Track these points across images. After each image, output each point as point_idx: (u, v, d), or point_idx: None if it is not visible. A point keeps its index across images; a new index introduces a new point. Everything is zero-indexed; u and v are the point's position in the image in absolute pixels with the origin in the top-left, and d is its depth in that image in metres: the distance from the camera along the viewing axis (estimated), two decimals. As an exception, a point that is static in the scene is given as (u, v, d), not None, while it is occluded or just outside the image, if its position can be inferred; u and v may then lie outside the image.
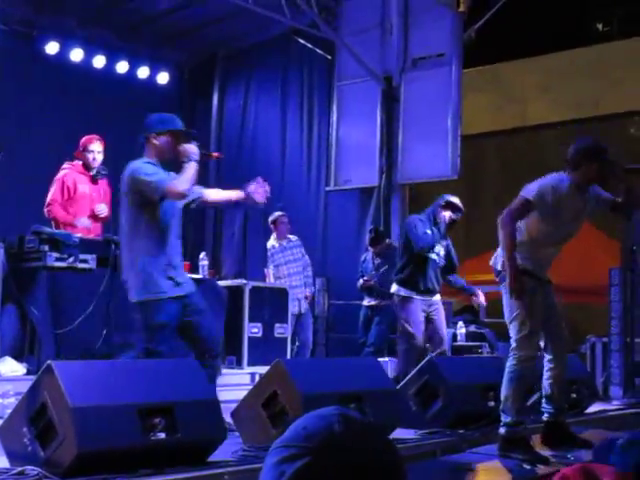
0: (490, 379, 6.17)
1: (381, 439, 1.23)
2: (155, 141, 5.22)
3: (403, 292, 7.64)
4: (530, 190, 5.40)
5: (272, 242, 9.94)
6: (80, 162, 7.76)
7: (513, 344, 5.28)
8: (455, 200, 7.76)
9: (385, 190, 10.83)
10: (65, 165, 7.80)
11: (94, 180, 7.76)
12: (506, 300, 5.29)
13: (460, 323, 9.79)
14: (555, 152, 17.57)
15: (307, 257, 10.14)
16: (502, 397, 5.22)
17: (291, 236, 10.11)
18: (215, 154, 5.96)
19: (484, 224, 16.62)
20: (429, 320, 7.64)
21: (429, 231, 7.57)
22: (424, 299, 7.62)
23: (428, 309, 7.65)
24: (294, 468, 1.16)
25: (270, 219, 10.02)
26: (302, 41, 12.08)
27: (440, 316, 7.71)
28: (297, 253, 10.01)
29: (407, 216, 9.44)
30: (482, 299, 7.80)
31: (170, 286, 5.06)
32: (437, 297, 7.77)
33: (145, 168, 5.10)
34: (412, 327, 7.54)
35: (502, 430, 5.16)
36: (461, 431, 5.74)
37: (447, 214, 7.63)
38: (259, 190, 5.45)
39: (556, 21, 15.88)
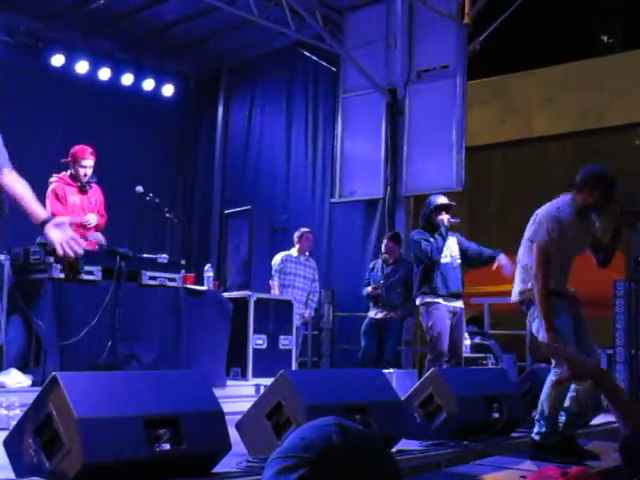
0: (495, 390, 6.18)
1: (379, 450, 1.25)
2: None
3: (428, 298, 7.69)
4: (541, 236, 5.54)
5: (291, 252, 10.04)
6: (67, 173, 7.75)
7: (553, 362, 5.45)
8: (442, 200, 7.86)
9: (390, 202, 10.85)
10: (53, 178, 7.78)
11: (83, 190, 7.76)
12: (538, 323, 5.46)
13: (465, 334, 9.78)
14: (559, 164, 17.64)
15: (317, 284, 10.24)
16: (539, 408, 5.44)
17: (311, 257, 10.25)
18: None
19: (488, 235, 16.68)
20: (452, 328, 7.70)
21: (432, 239, 7.65)
22: (449, 305, 7.68)
23: (452, 317, 7.71)
24: (293, 479, 1.17)
25: (297, 234, 10.13)
26: (307, 53, 12.14)
27: (462, 325, 7.83)
28: (309, 273, 10.13)
29: (411, 228, 9.47)
30: (504, 261, 7.69)
31: None
32: (460, 304, 7.82)
33: None
34: (437, 335, 7.61)
35: (536, 437, 5.38)
36: (466, 443, 5.73)
37: (444, 217, 7.71)
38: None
39: (560, 33, 15.94)
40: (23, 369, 6.63)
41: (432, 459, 5.35)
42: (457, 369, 7.72)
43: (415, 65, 10.99)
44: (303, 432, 1.24)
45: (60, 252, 3.92)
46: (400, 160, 11.00)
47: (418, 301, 7.87)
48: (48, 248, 6.75)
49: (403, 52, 10.95)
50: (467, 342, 9.60)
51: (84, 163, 7.71)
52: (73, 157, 7.75)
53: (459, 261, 7.84)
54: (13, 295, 6.82)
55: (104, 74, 12.37)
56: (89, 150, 7.79)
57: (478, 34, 10.81)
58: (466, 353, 9.44)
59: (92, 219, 7.68)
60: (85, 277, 6.86)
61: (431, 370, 6.27)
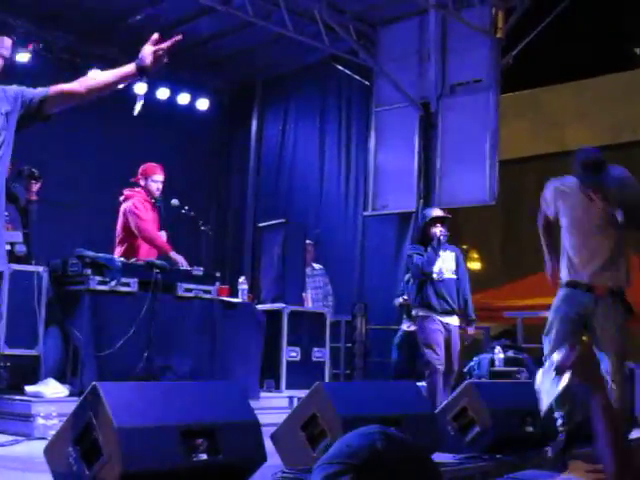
0: (528, 404, 6.15)
1: (422, 457, 1.29)
2: None
3: (421, 312, 7.64)
4: None
5: None
6: (141, 189, 7.87)
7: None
8: (437, 213, 7.87)
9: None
10: (128, 192, 7.90)
11: (155, 207, 7.90)
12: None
13: (498, 348, 9.76)
14: (594, 177, 17.55)
15: (330, 287, 10.29)
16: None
17: (315, 265, 10.31)
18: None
19: (521, 249, 16.62)
20: (446, 343, 7.60)
21: (423, 254, 7.59)
22: (442, 321, 7.60)
23: (447, 334, 7.61)
24: (338, 484, 1.21)
25: None
26: (341, 68, 12.21)
27: (455, 341, 7.67)
28: (319, 281, 10.20)
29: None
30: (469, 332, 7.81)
31: None
32: (454, 321, 7.69)
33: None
34: (431, 349, 7.53)
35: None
36: (499, 456, 5.73)
37: (437, 230, 7.63)
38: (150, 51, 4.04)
39: (594, 46, 15.88)
40: (61, 379, 6.71)
41: (465, 472, 5.36)
42: (490, 382, 7.71)
43: (448, 79, 11.03)
44: (349, 439, 1.28)
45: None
46: (433, 173, 11.04)
47: (413, 313, 7.85)
48: (86, 260, 6.86)
49: (436, 66, 10.99)
50: (500, 356, 9.59)
51: (156, 178, 7.86)
52: (144, 174, 7.89)
53: (453, 276, 7.70)
54: (51, 306, 6.93)
55: (140, 88, 12.49)
56: (159, 166, 7.94)
57: (511, 48, 10.82)
58: (499, 367, 9.44)
59: (164, 237, 7.84)
60: (122, 289, 6.94)
61: (465, 383, 6.27)
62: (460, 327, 7.77)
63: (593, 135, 17.31)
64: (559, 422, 5.51)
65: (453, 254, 7.82)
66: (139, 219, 7.67)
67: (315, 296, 10.16)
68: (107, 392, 3.79)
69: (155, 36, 4.06)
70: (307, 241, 10.20)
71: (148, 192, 7.84)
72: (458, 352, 7.72)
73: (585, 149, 5.73)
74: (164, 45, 4.06)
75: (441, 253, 7.66)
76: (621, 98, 16.59)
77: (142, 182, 7.87)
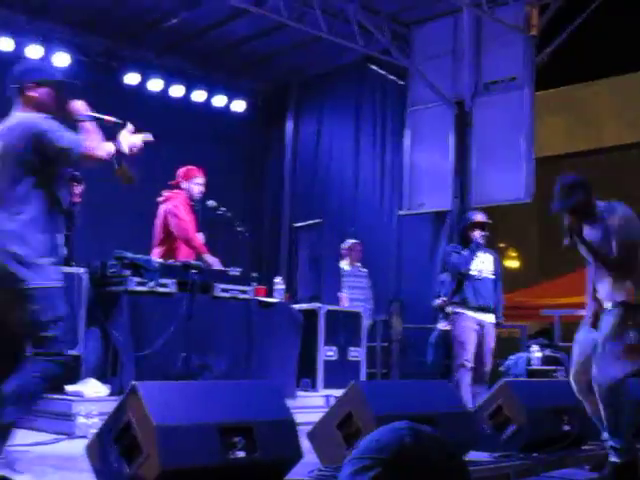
0: (565, 402, 6.15)
1: (450, 452, 1.33)
2: (32, 93, 4.28)
3: (457, 308, 7.92)
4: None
5: (342, 266, 10.17)
6: (181, 190, 7.95)
7: None
8: (478, 218, 8.10)
9: (458, 214, 10.87)
10: (168, 193, 7.98)
11: (193, 209, 7.99)
12: None
13: (535, 347, 9.76)
14: (632, 174, 17.42)
15: (371, 291, 10.37)
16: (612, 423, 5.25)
17: (361, 267, 10.39)
18: (108, 117, 4.50)
19: (558, 247, 16.50)
20: (479, 340, 7.82)
21: (460, 253, 7.91)
22: (476, 318, 7.82)
23: (480, 331, 7.82)
24: (367, 478, 1.26)
25: (345, 246, 10.29)
26: (375, 67, 12.24)
27: (489, 339, 7.89)
28: (363, 282, 10.26)
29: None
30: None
31: None
32: (490, 319, 7.91)
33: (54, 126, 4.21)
34: (460, 345, 7.77)
35: (613, 458, 5.18)
36: (535, 455, 5.74)
37: (477, 233, 7.94)
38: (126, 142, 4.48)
39: (630, 42, 15.74)
40: (101, 379, 6.81)
41: (501, 471, 5.37)
42: (526, 381, 7.71)
43: (483, 77, 11.03)
44: (378, 435, 1.33)
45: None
46: (468, 172, 11.04)
47: (448, 310, 8.15)
48: (125, 261, 6.96)
49: (470, 64, 10.98)
50: (537, 354, 9.58)
51: (198, 181, 7.97)
52: (186, 176, 7.96)
53: (491, 276, 7.99)
54: (91, 307, 7.03)
55: (177, 91, 12.65)
56: (200, 169, 8.05)
57: (546, 45, 10.79)
58: (536, 365, 9.43)
59: (201, 239, 7.94)
60: (160, 290, 7.03)
61: (500, 382, 6.28)
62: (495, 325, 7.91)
63: (630, 132, 17.20)
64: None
65: (492, 257, 8.11)
66: (179, 219, 7.76)
67: (359, 296, 10.19)
68: (146, 391, 3.87)
69: (130, 127, 4.55)
70: (354, 240, 10.34)
71: (188, 194, 7.93)
72: (491, 350, 7.91)
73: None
74: (138, 145, 4.59)
75: (480, 255, 7.98)
76: (659, 94, 16.47)
77: (184, 185, 7.95)
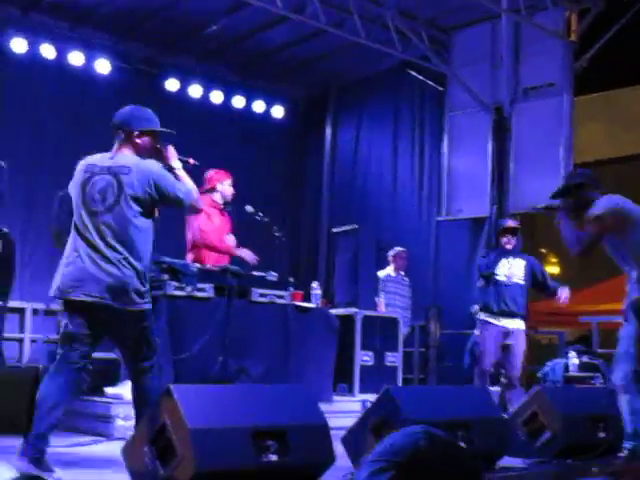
0: (601, 410, 6.12)
1: (463, 456, 1.37)
2: (137, 140, 4.80)
3: (482, 315, 8.03)
4: None
5: (388, 271, 10.22)
6: (208, 195, 8.04)
7: None
8: (507, 224, 8.28)
9: (496, 220, 10.84)
10: None
11: (223, 211, 8.08)
12: None
13: (572, 353, 9.71)
14: (673, 179, 17.23)
15: (411, 301, 10.41)
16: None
17: (404, 275, 10.44)
18: (191, 160, 5.13)
19: (598, 253, 16.37)
20: (505, 348, 7.87)
21: (488, 256, 8.10)
22: (501, 325, 7.88)
23: (504, 339, 7.88)
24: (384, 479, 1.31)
25: (391, 253, 10.35)
26: (413, 73, 12.26)
27: (516, 346, 7.91)
28: (406, 291, 10.29)
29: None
30: (564, 296, 7.90)
31: None
32: (517, 324, 7.94)
33: (168, 175, 4.76)
34: (480, 353, 7.96)
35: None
36: (569, 461, 5.72)
37: (504, 239, 8.05)
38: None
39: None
40: (139, 382, 6.89)
41: (535, 477, 5.37)
42: (562, 387, 7.69)
43: (521, 83, 11.01)
44: (394, 438, 1.37)
45: None
46: (507, 178, 11.01)
47: (477, 317, 8.23)
48: (163, 265, 7.05)
49: (509, 70, 10.97)
50: (575, 361, 9.53)
51: (229, 183, 8.06)
52: (219, 179, 8.06)
53: (521, 282, 7.97)
54: (131, 311, 7.11)
55: (217, 97, 12.77)
56: (225, 171, 8.15)
57: (585, 50, 10.74)
58: (573, 372, 9.38)
59: (232, 239, 8.01)
60: (198, 294, 7.11)
61: (535, 388, 6.27)
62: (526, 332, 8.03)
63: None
64: None
65: (524, 262, 8.06)
66: (199, 230, 7.83)
67: (399, 303, 10.23)
68: (181, 394, 3.93)
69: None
70: (400, 248, 10.36)
71: (214, 198, 8.00)
72: (519, 355, 7.94)
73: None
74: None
75: (510, 260, 7.99)
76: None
77: (219, 187, 8.04)
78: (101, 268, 4.54)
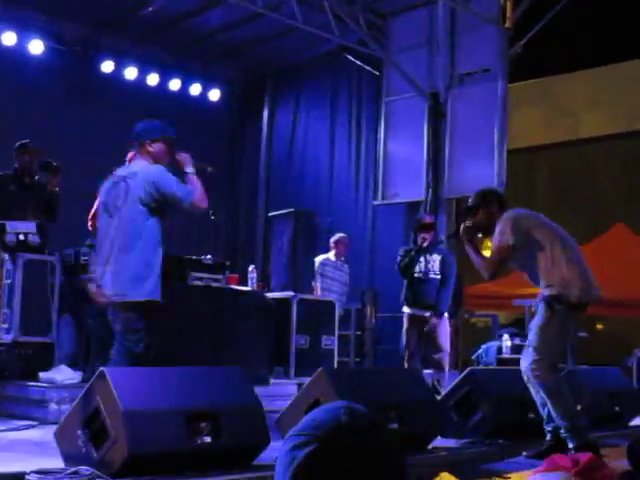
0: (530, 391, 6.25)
1: (383, 430, 1.40)
2: (150, 148, 5.23)
3: (404, 307, 8.32)
4: None
5: (329, 256, 10.26)
6: None
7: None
8: (424, 220, 8.51)
9: (432, 204, 10.97)
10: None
11: None
12: None
13: (506, 336, 9.87)
14: (607, 165, 17.59)
15: (347, 288, 10.49)
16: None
17: (344, 261, 10.49)
18: (210, 168, 5.65)
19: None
20: (423, 337, 8.17)
21: (406, 256, 8.22)
22: (417, 314, 8.18)
23: (421, 326, 8.17)
24: (304, 453, 1.33)
25: (333, 239, 10.37)
26: (351, 58, 12.28)
27: (436, 336, 8.18)
28: (343, 277, 10.35)
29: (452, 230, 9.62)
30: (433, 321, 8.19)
31: None
32: (431, 313, 8.20)
33: (169, 177, 5.14)
34: (407, 342, 8.21)
35: (570, 443, 5.29)
36: (501, 441, 5.84)
37: (421, 235, 8.25)
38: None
39: (607, 34, 15.88)
40: (73, 366, 6.86)
41: (467, 457, 5.47)
42: (493, 369, 7.84)
43: (457, 69, 11.10)
44: (315, 414, 1.40)
45: None
46: (442, 163, 11.12)
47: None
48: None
49: (445, 56, 11.06)
50: (508, 343, 9.69)
51: None
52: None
53: (436, 276, 8.22)
54: (64, 295, 7.08)
55: (152, 79, 12.65)
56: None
57: (520, 37, 10.87)
58: (506, 354, 9.55)
59: None
60: (133, 278, 7.06)
61: (467, 370, 6.39)
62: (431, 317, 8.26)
63: (607, 123, 17.33)
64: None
65: (440, 257, 8.27)
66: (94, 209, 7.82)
67: (336, 288, 10.27)
68: (114, 377, 3.93)
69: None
70: (342, 235, 10.41)
71: None
72: (441, 342, 8.20)
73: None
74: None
75: (427, 256, 8.22)
76: (636, 86, 16.57)
77: None
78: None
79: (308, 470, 1.31)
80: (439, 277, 8.21)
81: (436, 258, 8.24)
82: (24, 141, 7.99)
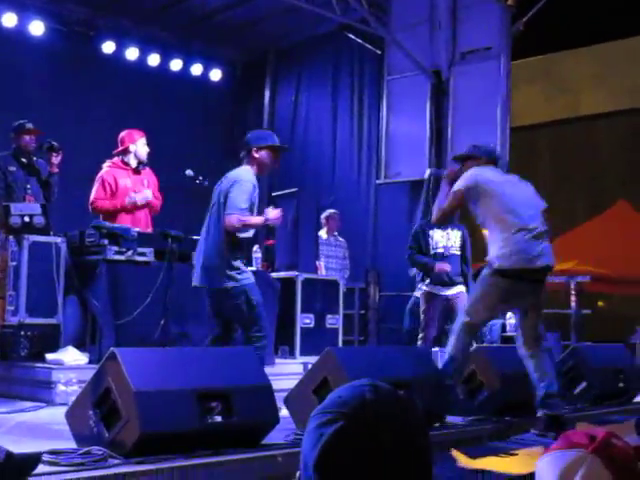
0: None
1: (408, 406, 1.41)
2: (256, 154, 5.86)
3: (424, 285, 8.34)
4: None
5: (320, 234, 10.27)
6: (119, 158, 7.97)
7: None
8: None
9: (435, 183, 10.95)
10: (105, 164, 8.03)
11: (136, 171, 7.99)
12: None
13: (509, 314, 9.86)
14: (609, 142, 17.57)
15: (348, 261, 10.47)
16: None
17: (339, 236, 10.49)
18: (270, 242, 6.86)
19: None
20: (449, 312, 8.14)
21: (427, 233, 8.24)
22: (440, 294, 8.18)
23: (447, 304, 8.18)
24: (331, 430, 1.34)
25: (324, 215, 10.37)
26: (352, 37, 12.24)
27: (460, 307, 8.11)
28: (340, 252, 10.37)
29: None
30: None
31: None
32: (455, 290, 8.17)
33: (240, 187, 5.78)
34: (425, 324, 8.25)
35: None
36: (507, 418, 5.88)
37: None
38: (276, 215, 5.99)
39: (609, 9, 15.80)
40: (80, 347, 6.88)
41: (473, 434, 5.51)
42: (499, 347, 7.86)
43: (459, 47, 11.05)
44: (340, 391, 1.41)
45: None
46: (445, 141, 11.09)
47: (418, 286, 8.51)
48: (103, 230, 7.02)
49: (447, 34, 11.02)
50: (512, 321, 9.69)
51: (141, 142, 7.98)
52: (128, 141, 7.96)
53: (457, 252, 8.19)
54: (70, 276, 7.09)
55: (153, 60, 12.62)
56: (138, 130, 8.05)
57: (523, 14, 10.83)
58: (510, 332, 9.57)
59: (148, 194, 7.92)
60: (138, 258, 7.10)
61: (474, 347, 6.41)
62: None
63: (610, 100, 17.28)
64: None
65: (460, 232, 8.25)
66: (90, 202, 7.80)
67: (334, 265, 10.29)
68: (125, 357, 3.94)
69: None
70: (332, 210, 10.42)
71: (125, 160, 7.93)
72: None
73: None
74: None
75: (449, 231, 8.16)
76: (638, 62, 16.51)
77: (132, 148, 7.94)
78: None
79: (337, 447, 1.32)
80: (459, 253, 8.17)
81: (457, 234, 8.20)
82: (22, 121, 7.96)
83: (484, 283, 5.81)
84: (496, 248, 5.72)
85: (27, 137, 7.93)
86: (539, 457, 1.61)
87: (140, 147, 7.96)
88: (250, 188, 5.80)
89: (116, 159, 7.99)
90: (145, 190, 7.93)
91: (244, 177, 5.84)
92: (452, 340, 5.83)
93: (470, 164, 6.03)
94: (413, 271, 9.86)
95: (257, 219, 5.88)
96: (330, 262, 10.25)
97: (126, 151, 7.94)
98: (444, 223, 6.51)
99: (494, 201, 5.76)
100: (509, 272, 5.69)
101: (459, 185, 5.85)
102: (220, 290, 5.85)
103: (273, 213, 5.93)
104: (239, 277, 5.82)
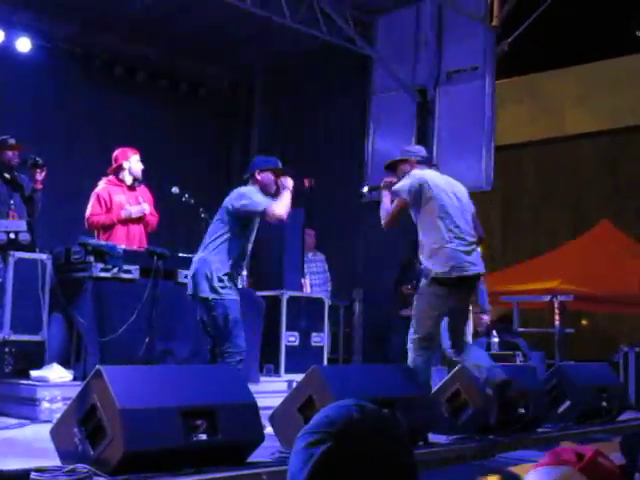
0: (522, 386, 6.31)
1: (393, 425, 1.44)
2: (258, 176, 6.33)
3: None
4: None
5: None
6: (114, 176, 8.01)
7: None
8: None
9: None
10: (101, 181, 8.06)
11: (131, 188, 8.02)
12: None
13: (493, 332, 9.91)
14: (592, 162, 17.68)
15: (328, 274, 10.49)
16: None
17: (315, 252, 10.51)
18: (306, 182, 6.87)
19: (520, 234, 16.75)
20: None
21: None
22: None
23: None
24: (320, 450, 1.36)
25: None
26: (338, 56, 12.28)
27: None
28: (319, 267, 10.39)
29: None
30: None
31: None
32: None
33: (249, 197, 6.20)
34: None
35: None
36: (491, 437, 5.89)
37: None
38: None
39: (592, 30, 15.95)
40: (64, 364, 6.86)
41: (458, 452, 5.52)
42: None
43: (444, 66, 11.12)
44: (328, 411, 1.43)
45: None
46: (430, 160, 11.12)
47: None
48: (89, 247, 7.02)
49: (433, 54, 11.08)
50: (495, 339, 9.74)
51: (135, 159, 8.04)
52: (121, 158, 8.00)
53: None
54: (55, 293, 7.08)
55: (140, 79, 12.64)
56: (131, 148, 8.09)
57: (508, 34, 10.92)
58: (494, 350, 9.60)
59: (146, 207, 7.96)
60: (124, 276, 7.09)
61: (458, 366, 6.43)
62: None
63: (593, 120, 17.41)
64: None
65: None
66: (86, 218, 7.84)
67: (315, 281, 10.33)
68: (110, 375, 3.95)
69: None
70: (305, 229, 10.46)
71: (119, 177, 7.99)
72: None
73: None
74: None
75: None
76: (620, 83, 16.66)
77: (125, 165, 7.98)
78: None
79: (326, 466, 1.34)
80: None
81: None
82: (5, 137, 7.95)
83: (424, 294, 5.91)
84: (431, 255, 5.79)
85: (10, 153, 7.91)
86: (526, 474, 1.63)
87: (134, 164, 8.00)
88: (257, 190, 6.27)
89: (111, 177, 8.01)
90: (143, 203, 7.96)
91: (249, 188, 6.31)
92: (411, 356, 5.96)
93: (405, 168, 6.16)
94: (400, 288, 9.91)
95: (285, 195, 6.23)
96: (313, 279, 10.28)
97: (120, 168, 7.97)
98: (393, 226, 6.59)
99: (430, 204, 5.86)
100: (447, 280, 5.79)
101: (404, 186, 6.07)
102: (203, 299, 6.13)
103: (288, 181, 6.31)
104: (222, 291, 6.06)
